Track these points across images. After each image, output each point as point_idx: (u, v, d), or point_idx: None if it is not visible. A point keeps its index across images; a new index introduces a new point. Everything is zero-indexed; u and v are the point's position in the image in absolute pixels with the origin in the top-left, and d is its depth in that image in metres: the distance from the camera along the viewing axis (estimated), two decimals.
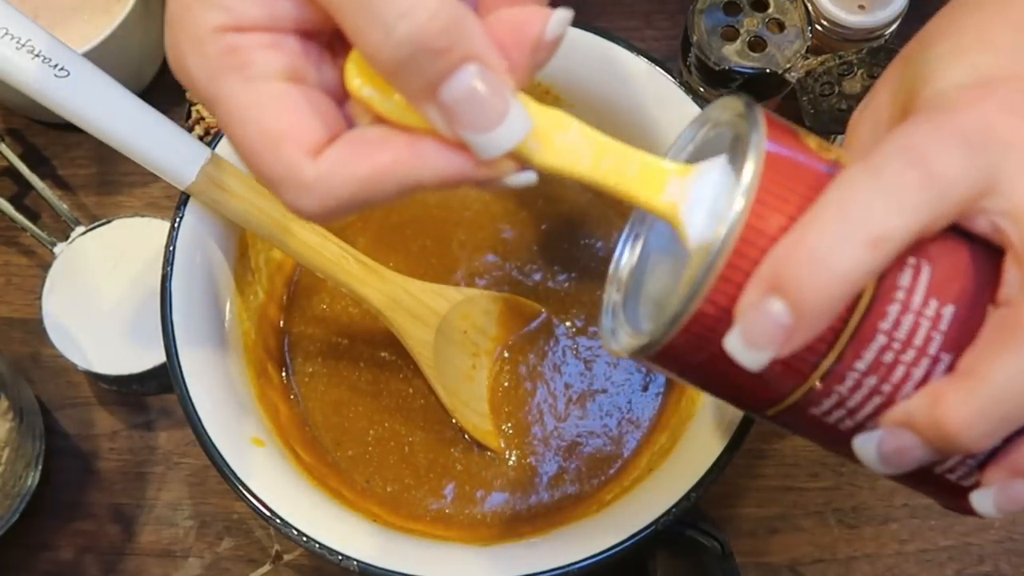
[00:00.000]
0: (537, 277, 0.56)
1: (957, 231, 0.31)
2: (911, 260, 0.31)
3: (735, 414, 0.46)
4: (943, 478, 0.33)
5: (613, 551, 0.44)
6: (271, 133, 0.30)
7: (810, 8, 0.58)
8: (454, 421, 0.53)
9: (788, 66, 0.56)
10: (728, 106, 0.34)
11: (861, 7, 0.58)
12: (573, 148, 0.31)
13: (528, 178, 0.31)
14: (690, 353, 0.32)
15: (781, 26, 0.57)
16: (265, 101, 0.30)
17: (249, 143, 0.30)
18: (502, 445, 0.53)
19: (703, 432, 0.48)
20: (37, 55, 0.46)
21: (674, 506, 0.45)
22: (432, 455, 0.53)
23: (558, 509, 0.52)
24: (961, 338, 0.31)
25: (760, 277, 0.29)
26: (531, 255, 0.57)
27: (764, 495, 0.57)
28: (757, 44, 0.57)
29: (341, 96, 0.32)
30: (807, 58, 0.57)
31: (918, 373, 0.31)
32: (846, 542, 0.56)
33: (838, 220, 0.29)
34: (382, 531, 0.48)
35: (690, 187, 0.32)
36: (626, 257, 0.37)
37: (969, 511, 0.33)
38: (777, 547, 0.56)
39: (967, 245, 0.31)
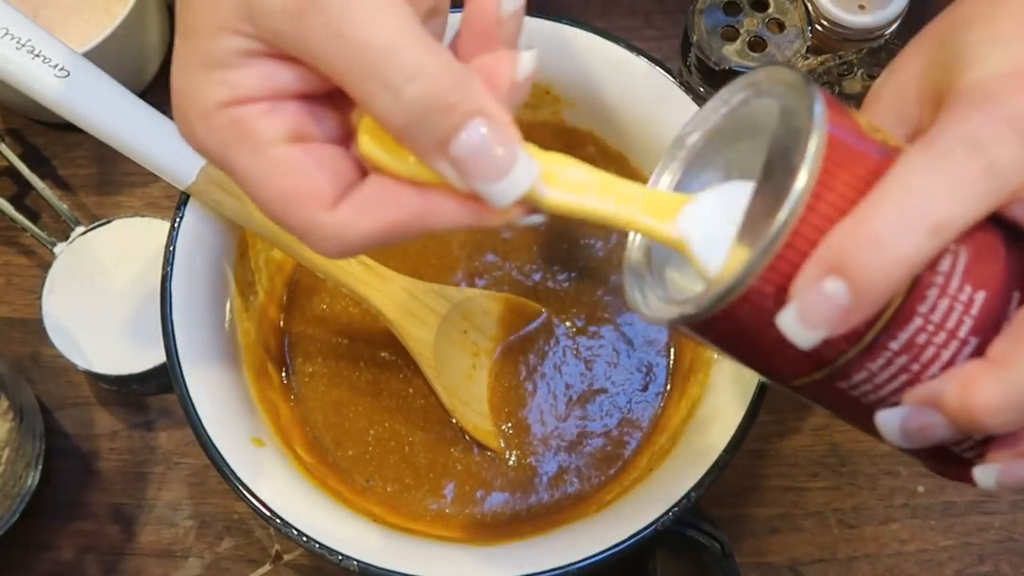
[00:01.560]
0: (537, 277, 0.56)
1: (990, 217, 0.32)
2: (952, 246, 0.31)
3: (735, 416, 0.46)
4: (948, 450, 0.34)
5: (613, 551, 0.44)
6: (284, 195, 0.32)
7: (810, 8, 0.58)
8: (454, 421, 0.53)
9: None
10: (778, 75, 0.34)
11: (861, 7, 0.58)
12: (579, 188, 0.33)
13: (537, 220, 0.33)
14: (732, 325, 0.32)
15: (781, 26, 0.57)
16: (273, 167, 0.32)
17: (268, 205, 0.33)
18: (502, 445, 0.53)
19: (703, 432, 0.48)
20: (37, 55, 0.46)
21: (674, 506, 0.45)
22: (432, 455, 0.53)
23: (558, 509, 0.52)
24: (989, 323, 0.32)
25: (820, 257, 0.30)
26: (531, 255, 0.57)
27: (764, 495, 0.57)
28: (757, 44, 0.57)
29: (346, 141, 0.34)
30: (807, 58, 0.57)
31: (946, 355, 0.32)
32: (846, 542, 0.56)
33: (901, 205, 0.30)
34: (382, 531, 0.48)
35: (697, 217, 0.33)
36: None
37: (965, 480, 0.34)
38: (777, 547, 0.56)
39: (999, 232, 0.32)
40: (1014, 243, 0.32)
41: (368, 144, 0.32)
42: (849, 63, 0.56)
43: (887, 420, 0.33)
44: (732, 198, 0.33)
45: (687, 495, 0.45)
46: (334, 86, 0.32)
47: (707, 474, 0.45)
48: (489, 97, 0.31)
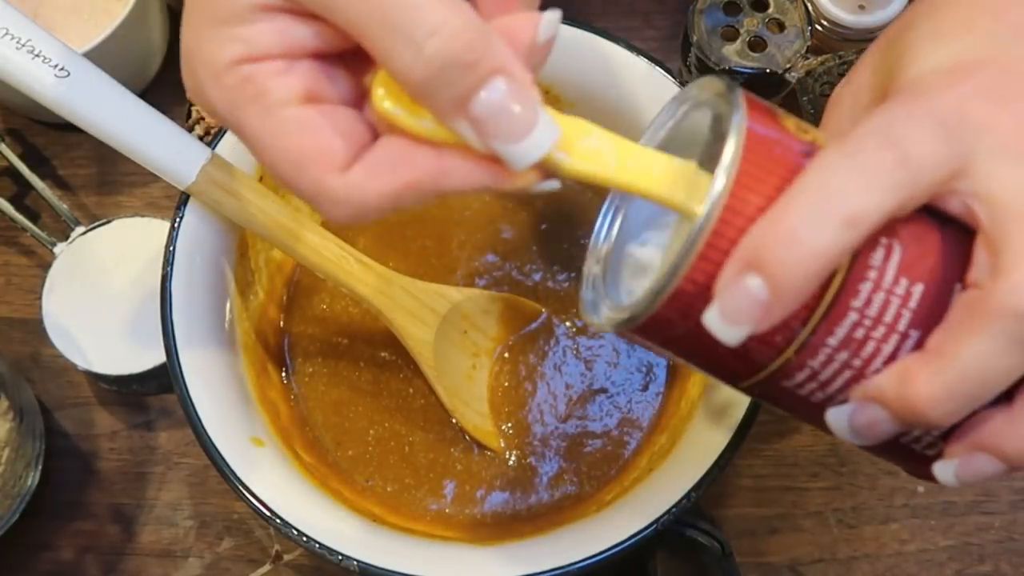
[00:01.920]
0: (537, 277, 0.56)
1: (929, 211, 0.32)
2: (883, 240, 0.31)
3: (735, 416, 0.46)
4: (908, 447, 0.35)
5: (613, 551, 0.44)
6: (295, 157, 0.31)
7: (810, 8, 0.58)
8: (454, 421, 0.53)
9: (788, 66, 0.56)
10: (709, 86, 0.34)
11: (861, 7, 0.58)
12: (597, 154, 0.32)
13: (552, 186, 0.32)
14: (669, 327, 0.32)
15: (781, 26, 0.57)
16: (286, 128, 0.31)
17: (277, 167, 0.32)
18: (502, 445, 0.53)
19: (703, 432, 0.48)
20: (37, 55, 0.46)
21: (674, 506, 0.45)
22: (432, 455, 0.53)
23: (558, 509, 0.52)
24: (930, 316, 0.32)
25: (739, 255, 0.30)
26: (531, 255, 0.57)
27: (764, 495, 0.57)
28: (757, 44, 0.57)
29: (359, 103, 0.33)
30: (807, 58, 0.57)
31: (887, 349, 0.32)
32: (846, 542, 0.56)
33: (815, 200, 0.30)
34: (382, 531, 0.48)
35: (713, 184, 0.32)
36: (606, 230, 0.38)
37: (928, 477, 0.34)
38: (777, 547, 0.56)
39: (938, 226, 0.32)
40: (956, 238, 0.32)
41: (384, 101, 0.31)
42: (849, 63, 0.56)
43: (835, 417, 0.33)
44: None
45: (687, 495, 0.45)
46: (350, 45, 0.31)
47: (707, 474, 0.45)
48: (511, 55, 0.30)
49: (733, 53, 0.56)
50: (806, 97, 0.56)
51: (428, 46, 0.29)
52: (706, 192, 0.31)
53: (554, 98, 0.54)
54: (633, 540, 0.44)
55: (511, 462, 0.53)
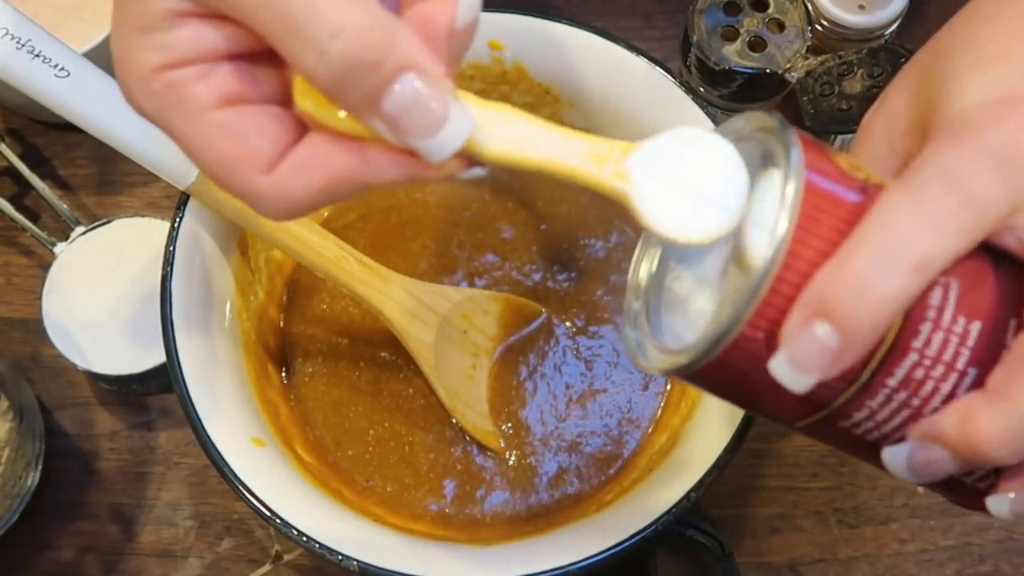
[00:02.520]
0: (537, 277, 0.56)
1: (981, 246, 0.32)
2: (941, 279, 0.31)
3: (735, 415, 0.46)
4: (959, 481, 0.34)
5: (613, 551, 0.44)
6: (222, 160, 0.32)
7: (810, 8, 0.58)
8: (454, 421, 0.53)
9: (788, 66, 0.56)
10: (756, 120, 0.33)
11: (861, 7, 0.58)
12: (517, 139, 0.32)
13: (478, 172, 0.32)
14: (727, 373, 0.32)
15: (781, 26, 0.57)
16: (209, 132, 0.32)
17: (206, 169, 0.33)
18: (502, 445, 0.53)
19: (703, 432, 0.48)
20: (37, 55, 0.46)
21: (674, 506, 0.45)
22: (432, 455, 0.53)
23: (558, 509, 0.52)
24: (987, 353, 0.32)
25: (806, 301, 0.30)
26: (531, 255, 0.57)
27: (764, 495, 0.57)
28: (757, 44, 0.57)
29: (287, 100, 0.33)
30: (807, 58, 0.57)
31: (946, 388, 0.32)
32: (846, 542, 0.56)
33: (882, 245, 0.30)
34: (382, 531, 0.48)
35: (638, 165, 0.32)
36: (645, 264, 0.37)
37: (981, 509, 0.34)
38: (777, 547, 0.56)
39: (992, 262, 0.32)
40: (1008, 271, 0.32)
41: (303, 101, 0.32)
42: (849, 63, 0.56)
43: (893, 457, 0.33)
44: (677, 149, 0.32)
45: (687, 495, 0.45)
46: (266, 45, 0.31)
47: (707, 474, 0.45)
48: (420, 49, 0.30)
49: (733, 53, 0.56)
50: (806, 97, 0.56)
51: (330, 48, 0.29)
52: (629, 174, 0.31)
53: (554, 98, 0.54)
54: (633, 540, 0.44)
55: (511, 462, 0.53)
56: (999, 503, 0.33)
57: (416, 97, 0.30)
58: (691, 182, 0.31)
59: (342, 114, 0.31)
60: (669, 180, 0.31)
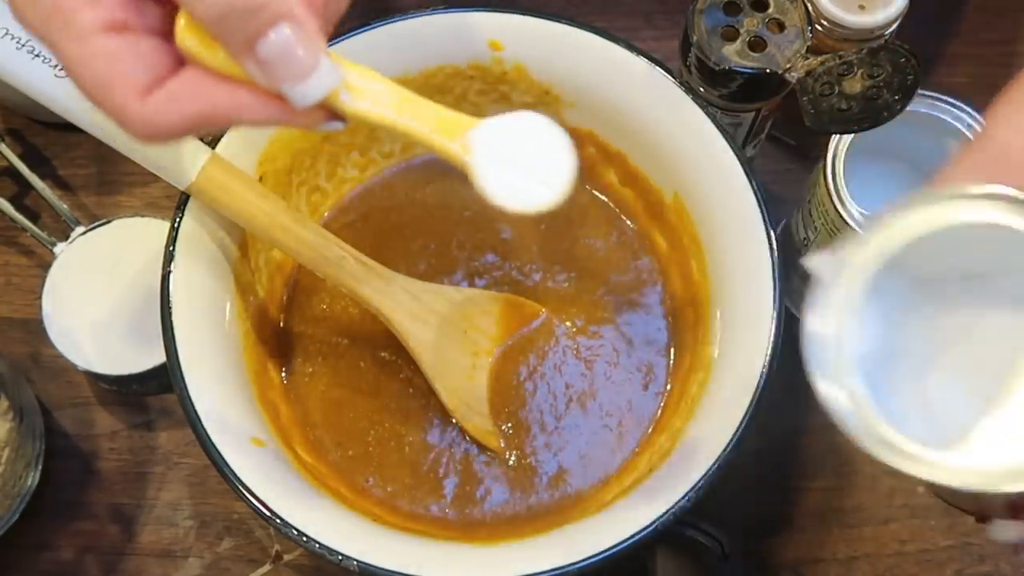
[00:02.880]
0: (537, 277, 0.56)
1: None
2: None
3: (735, 416, 0.46)
4: None
5: (613, 551, 0.44)
6: (100, 81, 0.34)
7: (810, 8, 0.58)
8: (454, 421, 0.53)
9: (788, 66, 0.56)
10: None
11: (861, 7, 0.58)
12: (377, 100, 0.35)
13: (337, 126, 0.35)
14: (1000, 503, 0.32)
15: (781, 26, 0.57)
16: (91, 54, 0.34)
17: (85, 90, 0.34)
18: (502, 445, 0.53)
19: (703, 432, 0.48)
20: (37, 55, 0.46)
21: (674, 506, 0.45)
22: (432, 455, 0.53)
23: (558, 509, 0.52)
24: None
25: None
26: (531, 255, 0.57)
27: (764, 495, 0.57)
28: (757, 44, 0.57)
29: (168, 33, 0.35)
30: (807, 58, 0.56)
31: None
32: (846, 542, 0.56)
33: None
34: (382, 531, 0.48)
35: (480, 139, 0.35)
36: (854, 336, 0.32)
37: None
38: (777, 547, 0.56)
39: None
40: None
41: (184, 36, 0.34)
42: (849, 63, 0.56)
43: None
44: (520, 128, 0.35)
45: (687, 495, 0.45)
46: None
47: (707, 474, 0.45)
48: (297, 2, 0.32)
49: (733, 53, 0.56)
50: (806, 97, 0.56)
51: None
52: (472, 146, 0.35)
53: (554, 98, 0.54)
54: (633, 540, 0.44)
55: (511, 462, 0.53)
56: None
57: (288, 44, 0.32)
58: (525, 159, 0.35)
59: (220, 54, 0.33)
60: (506, 155, 0.35)
